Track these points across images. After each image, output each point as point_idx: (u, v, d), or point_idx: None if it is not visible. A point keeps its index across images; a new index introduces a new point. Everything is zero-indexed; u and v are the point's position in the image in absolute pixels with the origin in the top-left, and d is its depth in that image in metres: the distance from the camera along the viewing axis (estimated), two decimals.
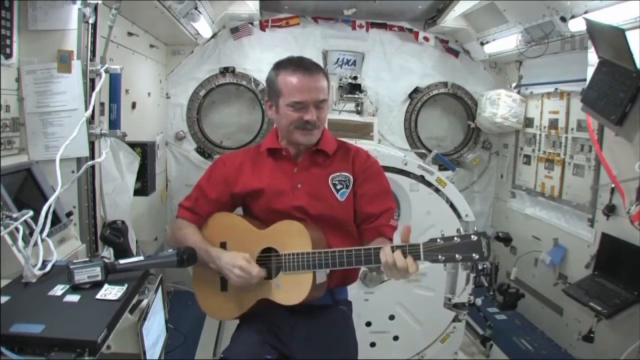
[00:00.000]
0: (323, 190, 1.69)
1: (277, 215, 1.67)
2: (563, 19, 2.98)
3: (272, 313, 1.67)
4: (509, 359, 3.27)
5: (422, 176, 2.74)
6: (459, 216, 2.77)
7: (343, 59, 4.32)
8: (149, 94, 3.53)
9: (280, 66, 1.69)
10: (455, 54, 4.43)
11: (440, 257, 1.36)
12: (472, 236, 1.34)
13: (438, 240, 1.36)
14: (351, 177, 1.71)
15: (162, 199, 3.89)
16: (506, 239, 3.58)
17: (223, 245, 1.70)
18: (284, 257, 1.60)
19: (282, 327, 1.70)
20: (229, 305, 1.71)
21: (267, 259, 1.65)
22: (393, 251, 1.40)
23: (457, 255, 1.34)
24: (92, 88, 1.97)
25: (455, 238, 1.35)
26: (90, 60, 1.99)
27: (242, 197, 1.77)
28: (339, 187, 1.69)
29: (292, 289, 1.60)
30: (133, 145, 2.54)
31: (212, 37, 4.09)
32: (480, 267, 2.86)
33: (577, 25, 2.88)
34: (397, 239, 1.72)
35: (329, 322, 1.71)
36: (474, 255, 1.33)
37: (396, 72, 4.39)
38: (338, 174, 1.70)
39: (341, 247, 1.62)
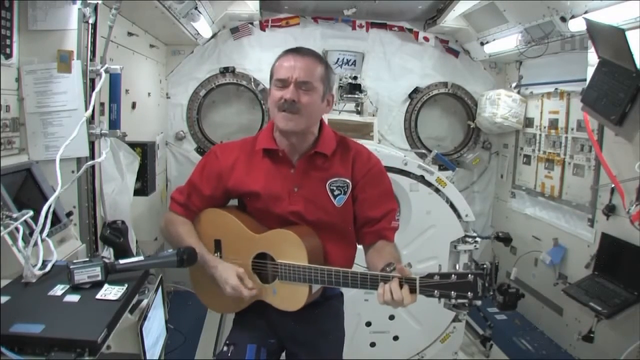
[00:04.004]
0: (320, 195, 1.65)
1: (273, 219, 1.65)
2: (563, 19, 2.98)
3: (266, 307, 1.69)
4: (509, 359, 3.28)
5: (422, 176, 2.74)
6: (459, 216, 2.77)
7: (343, 59, 4.32)
8: (149, 94, 3.53)
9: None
10: (455, 54, 4.43)
11: (435, 292, 1.38)
12: (469, 275, 1.36)
13: (435, 276, 1.38)
14: (350, 182, 1.67)
15: (162, 199, 3.89)
16: (506, 239, 3.59)
17: (218, 243, 1.69)
18: (280, 267, 1.59)
19: (274, 319, 1.73)
20: (227, 301, 1.69)
21: (263, 264, 1.65)
22: (391, 281, 1.41)
23: (452, 293, 1.37)
24: (92, 88, 1.97)
25: (453, 276, 1.37)
26: (90, 60, 1.99)
27: (236, 195, 1.74)
28: (336, 192, 1.66)
29: (288, 297, 1.61)
30: (133, 145, 2.54)
31: (212, 37, 4.09)
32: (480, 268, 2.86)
33: (577, 25, 2.88)
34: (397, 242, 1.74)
35: (318, 317, 1.74)
36: (469, 294, 1.36)
37: (396, 72, 4.39)
38: (336, 179, 1.66)
39: (337, 256, 1.66)
